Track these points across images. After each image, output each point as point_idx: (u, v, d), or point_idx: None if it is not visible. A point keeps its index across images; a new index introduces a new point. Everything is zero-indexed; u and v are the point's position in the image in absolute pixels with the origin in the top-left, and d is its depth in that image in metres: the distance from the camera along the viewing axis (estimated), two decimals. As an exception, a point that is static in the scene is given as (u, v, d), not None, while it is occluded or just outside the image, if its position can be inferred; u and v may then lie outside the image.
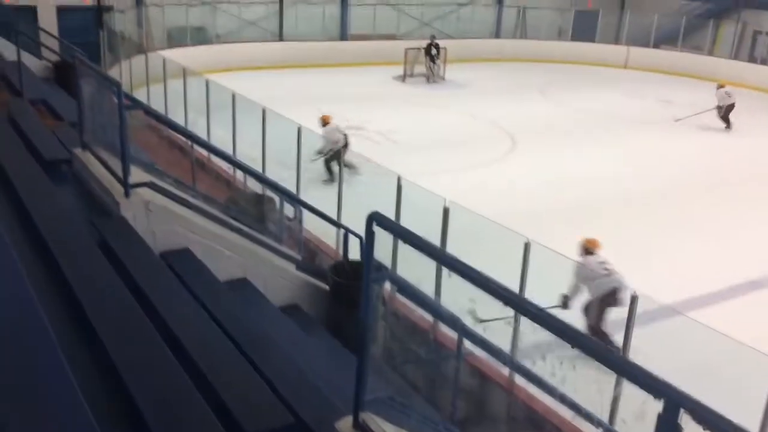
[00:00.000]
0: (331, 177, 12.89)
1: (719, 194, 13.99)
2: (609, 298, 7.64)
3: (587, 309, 7.82)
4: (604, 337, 7.29)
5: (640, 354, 5.63)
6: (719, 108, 19.24)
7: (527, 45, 29.01)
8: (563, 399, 2.73)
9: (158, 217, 5.59)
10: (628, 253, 10.77)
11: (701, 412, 1.82)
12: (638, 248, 10.97)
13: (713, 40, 28.89)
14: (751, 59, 27.93)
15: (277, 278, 6.41)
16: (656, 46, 29.09)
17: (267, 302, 5.93)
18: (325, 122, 13.68)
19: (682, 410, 1.83)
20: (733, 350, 5.61)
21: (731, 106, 19.12)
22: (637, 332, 5.82)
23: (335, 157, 12.68)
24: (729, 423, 1.79)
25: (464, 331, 3.43)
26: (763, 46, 28.16)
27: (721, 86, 19.51)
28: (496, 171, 14.79)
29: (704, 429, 1.80)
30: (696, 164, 16.03)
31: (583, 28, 30.30)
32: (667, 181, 14.63)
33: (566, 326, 2.29)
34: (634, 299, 5.64)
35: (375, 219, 2.97)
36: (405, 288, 3.26)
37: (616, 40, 30.09)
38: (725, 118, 19.17)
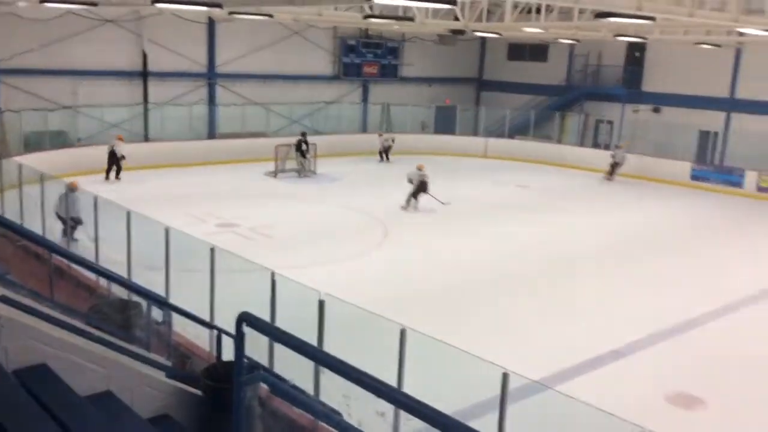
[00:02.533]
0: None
1: (584, 271, 14.87)
2: (422, 185, 17.90)
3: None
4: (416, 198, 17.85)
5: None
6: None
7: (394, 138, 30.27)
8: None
9: (11, 332, 5.20)
10: (504, 329, 11.15)
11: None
12: (513, 325, 11.37)
13: (561, 129, 31.41)
14: (595, 145, 30.56)
15: (145, 388, 6.05)
16: (511, 136, 31.22)
17: (134, 415, 5.57)
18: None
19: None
20: (601, 420, 5.86)
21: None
22: (511, 408, 5.95)
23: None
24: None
25: (341, 426, 3.38)
26: (605, 134, 30.90)
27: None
28: (372, 260, 15.01)
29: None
30: (564, 243, 17.01)
31: (444, 122, 32.15)
32: (537, 260, 15.40)
33: (438, 414, 2.34)
34: (505, 377, 5.80)
35: (245, 319, 2.94)
36: (279, 388, 3.20)
37: (475, 132, 32.06)
38: None
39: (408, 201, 19.56)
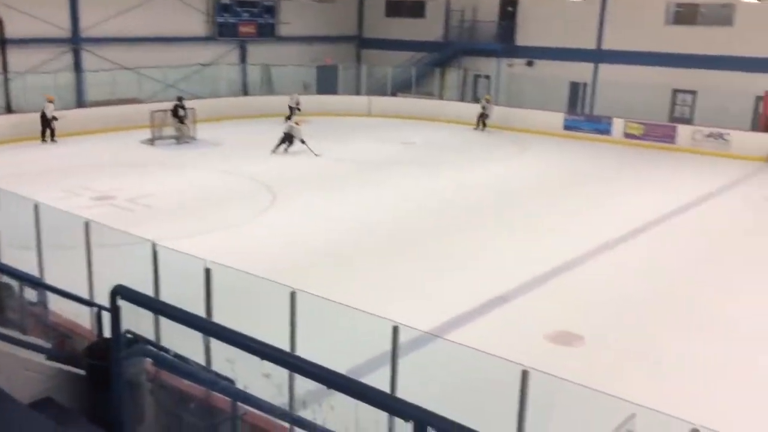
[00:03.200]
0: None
1: (470, 222, 15.32)
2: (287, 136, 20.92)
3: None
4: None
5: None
6: None
7: (275, 100, 29.67)
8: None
9: None
10: (395, 284, 11.36)
11: (447, 428, 1.95)
12: (403, 279, 11.60)
13: (441, 85, 31.92)
14: (475, 99, 31.33)
15: (24, 372, 5.73)
16: (393, 94, 31.43)
17: (12, 401, 5.27)
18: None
19: (429, 428, 1.95)
20: (490, 363, 6.12)
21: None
22: (404, 360, 6.10)
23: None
24: None
25: (227, 392, 3.35)
26: (483, 88, 31.69)
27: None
28: (260, 224, 14.80)
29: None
30: (448, 197, 17.41)
31: (326, 82, 31.86)
32: (425, 215, 15.70)
33: (326, 372, 2.34)
34: (395, 330, 5.91)
35: (119, 293, 2.82)
36: (161, 360, 3.11)
37: (358, 92, 32.01)
38: None
39: (276, 148, 21.87)
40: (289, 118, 25.11)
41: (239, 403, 4.31)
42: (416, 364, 6.88)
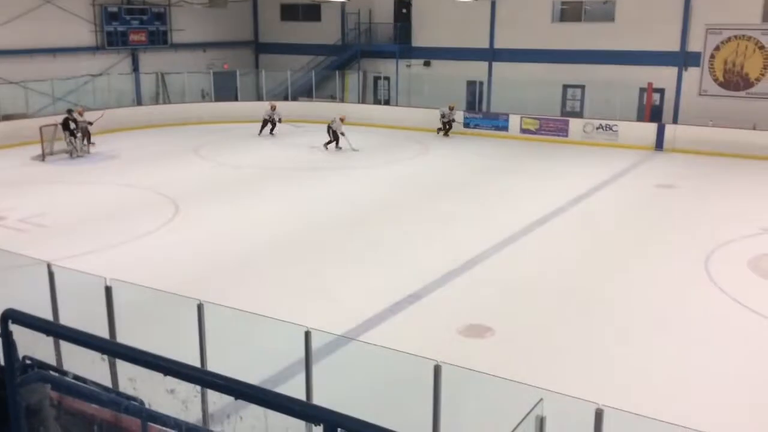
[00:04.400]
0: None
1: (380, 222, 15.43)
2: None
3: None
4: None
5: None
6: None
7: (172, 109, 28.92)
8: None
9: None
10: (307, 289, 11.30)
11: (357, 427, 1.97)
12: (315, 284, 11.56)
13: (342, 88, 32.02)
14: (376, 101, 31.62)
15: None
16: (294, 99, 31.25)
17: None
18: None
19: (340, 430, 1.96)
20: (404, 360, 6.20)
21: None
22: (319, 365, 6.09)
23: None
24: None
25: (135, 412, 3.24)
26: (383, 89, 32.02)
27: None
28: (163, 238, 14.36)
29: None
30: (356, 198, 17.46)
31: (225, 89, 31.29)
32: (334, 217, 15.68)
33: (233, 383, 2.31)
34: (307, 335, 5.90)
35: (10, 317, 2.68)
36: (60, 384, 2.98)
37: (258, 97, 31.63)
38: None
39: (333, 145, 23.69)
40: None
41: (150, 424, 4.17)
42: (332, 367, 6.89)
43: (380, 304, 10.64)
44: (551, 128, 26.15)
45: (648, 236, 14.66)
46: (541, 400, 4.63)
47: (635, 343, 9.71)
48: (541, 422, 4.64)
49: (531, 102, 26.92)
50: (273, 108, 26.51)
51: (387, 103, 31.45)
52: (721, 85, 25.08)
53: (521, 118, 26.62)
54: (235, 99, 31.01)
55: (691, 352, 9.49)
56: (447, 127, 26.79)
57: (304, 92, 31.75)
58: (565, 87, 27.71)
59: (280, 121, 26.34)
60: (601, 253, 13.62)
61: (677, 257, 13.20)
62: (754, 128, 23.21)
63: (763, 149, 22.33)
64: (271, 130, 26.45)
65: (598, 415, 4.80)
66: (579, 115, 27.02)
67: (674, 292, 11.52)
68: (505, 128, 26.89)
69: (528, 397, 4.86)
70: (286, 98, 30.97)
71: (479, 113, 28.26)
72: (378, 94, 32.20)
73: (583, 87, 27.34)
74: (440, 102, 27.91)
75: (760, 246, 13.84)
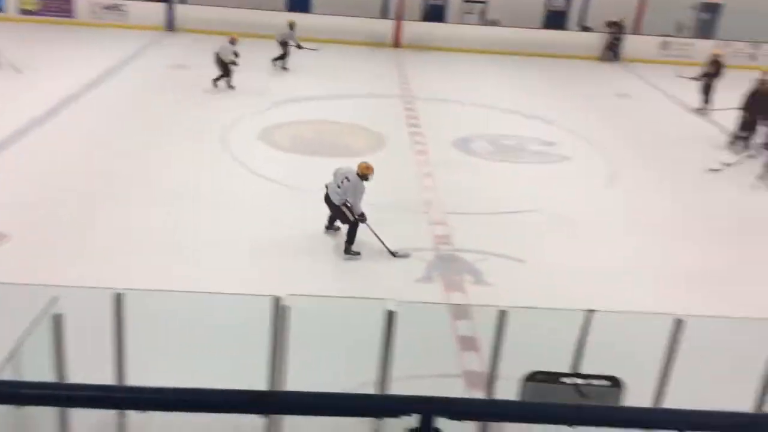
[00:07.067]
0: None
1: None
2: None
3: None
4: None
5: None
6: None
7: None
8: None
9: None
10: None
11: None
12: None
13: None
14: None
15: None
16: None
17: None
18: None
19: None
20: None
21: None
22: None
23: None
24: None
25: None
26: None
27: None
28: None
29: None
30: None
31: None
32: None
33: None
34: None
35: None
36: None
37: None
38: None
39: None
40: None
41: None
42: None
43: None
44: (54, 8, 23.87)
45: (166, 116, 14.87)
46: (55, 297, 4.55)
47: (161, 218, 9.95)
48: (59, 320, 4.57)
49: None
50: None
51: None
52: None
53: (18, -2, 23.61)
54: None
55: (221, 220, 10.10)
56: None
57: None
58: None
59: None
60: (130, 136, 13.39)
61: (197, 137, 13.70)
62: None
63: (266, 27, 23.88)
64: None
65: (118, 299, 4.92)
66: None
67: (196, 168, 12.04)
68: (1, 9, 23.60)
69: (45, 297, 4.71)
70: None
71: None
72: None
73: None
74: None
75: (268, 120, 15.23)
